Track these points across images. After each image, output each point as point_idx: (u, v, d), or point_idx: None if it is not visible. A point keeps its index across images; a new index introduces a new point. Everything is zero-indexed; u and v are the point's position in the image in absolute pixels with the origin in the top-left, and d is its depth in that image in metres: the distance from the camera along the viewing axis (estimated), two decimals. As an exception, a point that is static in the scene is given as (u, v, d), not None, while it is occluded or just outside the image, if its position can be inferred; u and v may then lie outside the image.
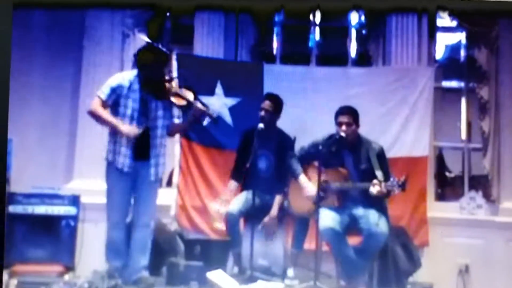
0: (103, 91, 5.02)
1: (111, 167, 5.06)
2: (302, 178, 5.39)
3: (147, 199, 5.12)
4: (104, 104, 5.02)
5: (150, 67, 5.05)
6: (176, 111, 5.18)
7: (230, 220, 5.54)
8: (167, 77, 5.11)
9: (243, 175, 5.67)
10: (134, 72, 5.13)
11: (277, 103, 5.69)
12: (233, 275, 5.29)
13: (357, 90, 6.18)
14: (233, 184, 5.72)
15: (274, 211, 5.55)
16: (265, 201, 5.59)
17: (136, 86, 5.06)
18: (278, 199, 5.57)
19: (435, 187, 6.49)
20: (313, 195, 5.23)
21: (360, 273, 5.20)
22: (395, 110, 6.19)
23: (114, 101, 5.03)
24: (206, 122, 5.25)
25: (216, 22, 6.49)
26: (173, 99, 5.04)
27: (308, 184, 5.34)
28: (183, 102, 5.06)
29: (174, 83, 5.08)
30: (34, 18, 6.34)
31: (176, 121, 5.22)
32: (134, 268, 5.09)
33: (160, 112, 5.10)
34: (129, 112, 5.03)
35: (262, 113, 5.62)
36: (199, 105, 5.10)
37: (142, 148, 5.04)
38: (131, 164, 5.01)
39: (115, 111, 5.05)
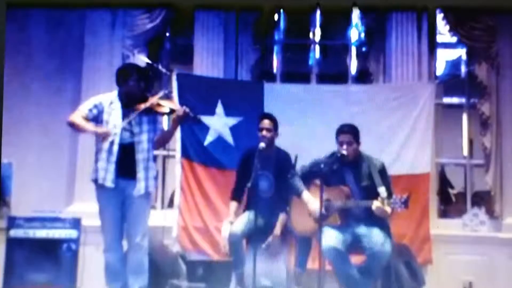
0: (85, 105, 5.02)
1: (97, 186, 5.00)
2: (306, 194, 5.33)
3: (137, 218, 5.01)
4: (85, 117, 4.98)
5: (130, 83, 5.02)
6: (160, 123, 5.12)
7: (233, 241, 5.45)
8: (148, 95, 5.09)
9: (243, 195, 5.63)
10: (115, 92, 5.09)
11: (275, 122, 5.67)
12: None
13: (358, 108, 6.16)
14: (233, 204, 5.69)
15: (278, 230, 5.49)
16: (267, 221, 5.54)
17: (117, 104, 5.02)
18: (282, 218, 5.53)
19: (437, 204, 6.48)
20: (318, 209, 5.18)
21: (363, 292, 5.16)
22: (396, 127, 6.19)
23: (94, 116, 4.99)
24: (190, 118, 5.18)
25: (215, 42, 6.50)
26: (156, 108, 4.98)
27: (312, 199, 5.30)
28: (166, 110, 5.00)
29: (156, 96, 5.06)
30: (32, 38, 6.38)
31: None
32: None
33: (144, 127, 5.02)
34: (111, 127, 4.95)
35: (264, 132, 5.57)
36: (180, 108, 5.03)
37: (128, 166, 4.96)
38: (114, 179, 4.93)
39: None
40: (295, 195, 5.41)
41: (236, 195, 5.68)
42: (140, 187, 4.97)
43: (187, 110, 5.00)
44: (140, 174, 4.97)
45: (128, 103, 5.01)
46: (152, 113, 4.99)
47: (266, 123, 5.62)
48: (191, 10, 6.41)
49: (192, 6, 6.38)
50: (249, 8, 6.40)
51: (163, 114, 5.03)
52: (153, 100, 4.95)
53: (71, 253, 5.52)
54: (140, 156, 4.99)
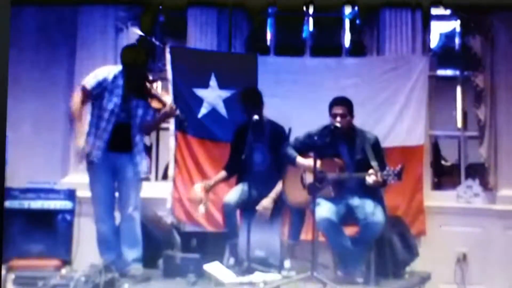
0: (89, 82, 5.04)
1: (89, 158, 5.07)
2: (300, 159, 5.37)
3: (129, 190, 5.10)
4: (89, 95, 5.04)
5: (133, 66, 5.07)
6: (151, 112, 5.18)
7: (227, 211, 5.53)
8: (150, 78, 5.14)
9: (236, 170, 5.68)
10: (119, 67, 5.13)
11: (256, 95, 5.70)
12: (230, 266, 5.29)
13: (351, 80, 6.17)
14: (222, 173, 5.73)
15: (273, 194, 5.54)
16: (261, 194, 5.57)
17: (120, 82, 5.08)
18: (277, 187, 5.57)
19: (431, 176, 6.49)
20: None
21: (357, 263, 5.17)
22: (390, 99, 6.19)
23: (98, 94, 5.04)
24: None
25: (209, 15, 6.48)
26: (151, 101, 5.07)
27: (307, 161, 5.30)
28: (160, 106, 5.10)
29: (156, 85, 5.12)
30: (27, 12, 6.32)
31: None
32: (124, 261, 5.09)
33: (140, 111, 5.12)
34: (111, 106, 5.05)
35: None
36: (172, 107, 5.13)
37: (121, 142, 5.05)
38: (103, 155, 5.03)
39: (98, 104, 5.07)
40: (289, 163, 5.43)
41: (228, 168, 5.73)
42: (138, 170, 5.08)
43: (177, 111, 5.13)
44: (137, 157, 5.09)
45: (130, 85, 5.05)
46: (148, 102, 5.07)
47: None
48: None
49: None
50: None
51: (154, 108, 5.11)
52: (154, 92, 5.06)
53: (66, 224, 5.54)
54: (135, 139, 5.10)
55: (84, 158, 5.04)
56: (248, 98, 5.67)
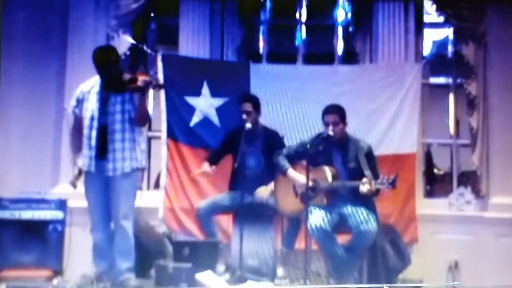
0: (70, 105, 5.13)
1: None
2: (291, 171, 5.38)
3: (120, 199, 5.04)
4: (76, 115, 5.12)
5: (106, 65, 5.02)
6: (135, 101, 5.08)
7: (199, 216, 5.67)
8: (125, 74, 5.06)
9: (217, 162, 5.79)
10: (96, 77, 5.12)
11: (256, 102, 5.73)
12: (223, 275, 5.28)
13: (344, 88, 6.16)
14: (206, 164, 5.76)
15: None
16: (254, 200, 5.59)
17: (97, 88, 5.07)
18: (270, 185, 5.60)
19: (423, 184, 6.50)
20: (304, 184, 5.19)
21: (349, 271, 5.18)
22: (382, 107, 6.18)
23: (80, 110, 5.08)
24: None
25: (201, 22, 6.46)
26: (129, 85, 4.97)
27: (298, 176, 5.32)
28: (140, 83, 4.96)
29: (128, 74, 5.05)
30: (16, 16, 6.31)
31: None
32: (117, 270, 5.05)
33: (118, 107, 5.03)
34: (89, 113, 5.03)
35: (244, 116, 5.64)
36: (144, 77, 5.02)
37: (105, 149, 5.02)
38: (95, 165, 5.00)
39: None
40: (280, 173, 5.44)
41: (210, 157, 5.82)
42: (112, 168, 5.00)
43: (147, 77, 5.02)
44: (116, 154, 5.00)
45: (107, 86, 5.04)
46: (128, 92, 5.00)
47: (246, 105, 5.70)
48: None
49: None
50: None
51: (134, 90, 5.00)
52: (127, 77, 4.97)
53: (57, 234, 5.49)
54: (114, 136, 5.00)
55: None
56: (246, 102, 5.70)
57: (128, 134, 5.05)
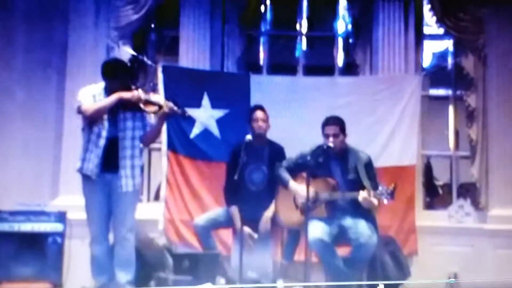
0: (87, 98, 4.96)
1: (84, 178, 5.00)
2: (292, 184, 5.38)
3: (123, 212, 5.00)
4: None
5: (114, 79, 4.99)
6: (147, 120, 5.09)
7: (197, 232, 5.65)
8: (133, 87, 5.05)
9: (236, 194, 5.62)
10: (102, 84, 5.06)
11: (266, 112, 5.71)
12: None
13: (344, 100, 6.16)
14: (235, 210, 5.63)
15: (269, 212, 5.54)
16: (255, 214, 5.58)
17: (103, 96, 5.00)
18: (270, 208, 5.56)
19: (423, 195, 6.50)
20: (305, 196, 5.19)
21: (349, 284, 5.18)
22: (382, 119, 6.18)
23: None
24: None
25: (201, 33, 6.46)
26: (143, 107, 4.96)
27: (299, 187, 5.31)
28: (155, 108, 4.97)
29: (141, 91, 5.02)
30: (16, 26, 6.30)
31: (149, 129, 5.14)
32: (117, 283, 5.01)
33: (129, 123, 5.00)
34: (99, 119, 4.95)
35: (260, 123, 5.62)
36: (170, 104, 4.99)
37: (114, 160, 4.95)
38: (99, 173, 4.92)
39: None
40: (282, 185, 5.44)
41: (231, 199, 5.67)
42: (125, 183, 4.97)
43: (174, 107, 4.99)
44: (127, 171, 4.97)
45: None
46: (139, 111, 4.97)
47: (260, 114, 5.66)
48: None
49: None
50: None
51: (150, 113, 5.01)
52: (140, 95, 4.92)
53: (56, 247, 5.46)
54: (125, 152, 4.98)
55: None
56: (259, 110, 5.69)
57: (137, 151, 5.04)
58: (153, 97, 5.01)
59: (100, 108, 4.91)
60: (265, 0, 6.65)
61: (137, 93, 4.91)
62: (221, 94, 6.18)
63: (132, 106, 4.94)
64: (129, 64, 5.42)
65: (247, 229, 5.49)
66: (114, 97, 4.91)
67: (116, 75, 4.99)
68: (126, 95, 4.89)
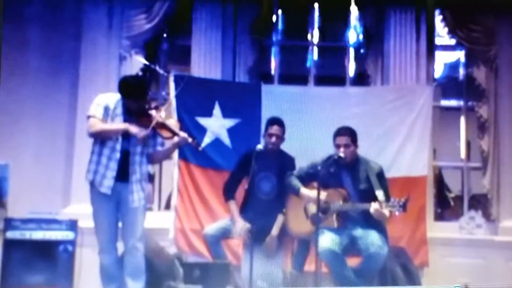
0: (98, 110, 4.99)
1: (93, 188, 5.01)
2: (304, 190, 5.38)
3: (133, 221, 5.03)
4: (101, 120, 5.01)
5: (129, 98, 5.02)
6: (160, 140, 5.15)
7: (207, 241, 5.69)
8: (152, 106, 5.10)
9: (235, 193, 5.76)
10: (118, 95, 5.09)
11: (283, 126, 5.72)
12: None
13: (355, 110, 6.15)
14: (233, 204, 5.74)
15: (275, 231, 5.54)
16: (265, 223, 5.57)
17: (119, 110, 5.03)
18: (279, 219, 5.57)
19: (434, 207, 6.48)
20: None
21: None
22: (393, 129, 6.16)
23: (105, 118, 5.02)
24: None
25: (213, 43, 6.48)
26: (158, 130, 5.03)
27: (311, 193, 5.30)
28: (169, 135, 5.06)
29: (162, 112, 5.06)
30: (30, 36, 6.34)
31: (159, 148, 5.19)
32: None
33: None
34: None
35: (273, 139, 5.64)
36: (184, 135, 5.08)
37: (125, 171, 4.98)
38: (111, 186, 4.96)
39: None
40: (293, 193, 5.43)
41: (230, 195, 5.77)
42: (137, 199, 5.01)
43: (189, 138, 5.08)
44: (134, 186, 5.00)
45: (130, 115, 5.03)
46: (153, 131, 5.02)
47: (275, 129, 5.68)
48: (189, 4, 6.38)
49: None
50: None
51: (164, 137, 5.08)
52: (157, 117, 4.98)
53: (67, 255, 5.50)
54: (134, 167, 5.02)
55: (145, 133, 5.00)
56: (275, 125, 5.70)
57: (144, 167, 5.10)
58: (170, 122, 5.09)
59: (105, 131, 4.98)
60: (277, 10, 6.63)
61: (143, 133, 4.95)
62: (233, 104, 6.20)
63: (144, 124, 4.98)
64: (145, 80, 5.41)
65: (241, 222, 5.56)
66: (122, 127, 4.97)
67: (131, 94, 5.02)
68: (133, 130, 4.94)
